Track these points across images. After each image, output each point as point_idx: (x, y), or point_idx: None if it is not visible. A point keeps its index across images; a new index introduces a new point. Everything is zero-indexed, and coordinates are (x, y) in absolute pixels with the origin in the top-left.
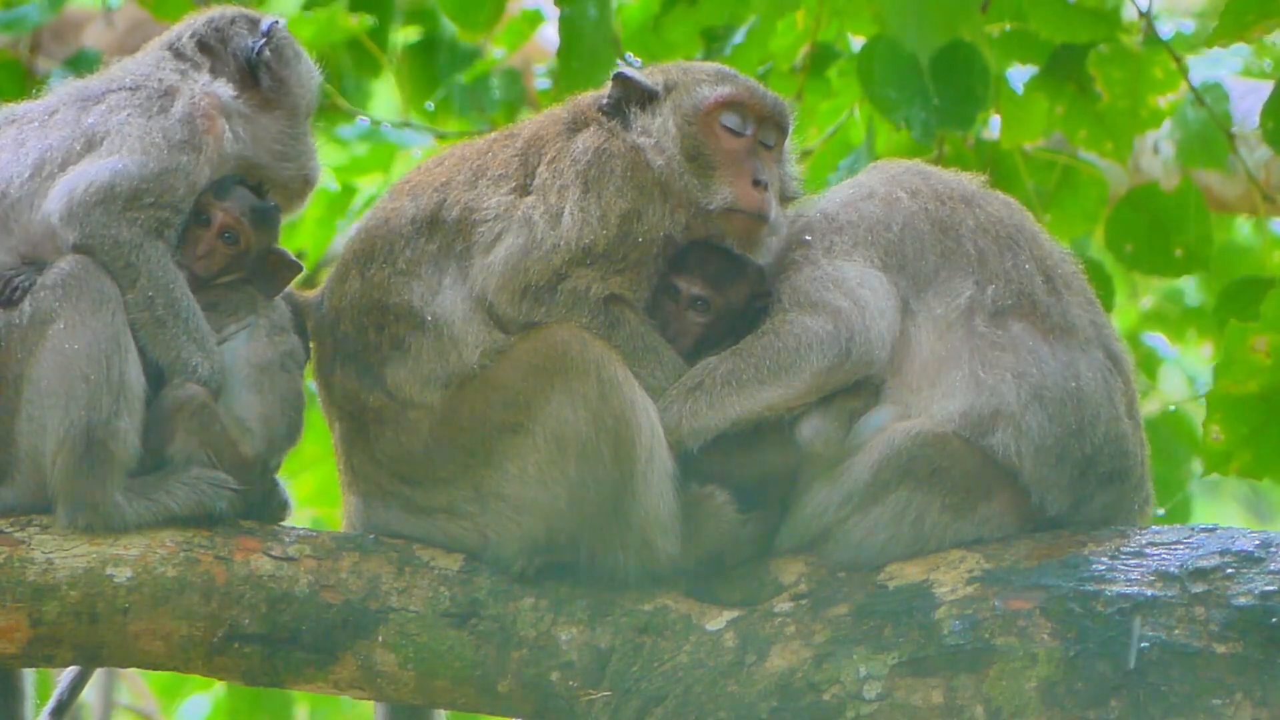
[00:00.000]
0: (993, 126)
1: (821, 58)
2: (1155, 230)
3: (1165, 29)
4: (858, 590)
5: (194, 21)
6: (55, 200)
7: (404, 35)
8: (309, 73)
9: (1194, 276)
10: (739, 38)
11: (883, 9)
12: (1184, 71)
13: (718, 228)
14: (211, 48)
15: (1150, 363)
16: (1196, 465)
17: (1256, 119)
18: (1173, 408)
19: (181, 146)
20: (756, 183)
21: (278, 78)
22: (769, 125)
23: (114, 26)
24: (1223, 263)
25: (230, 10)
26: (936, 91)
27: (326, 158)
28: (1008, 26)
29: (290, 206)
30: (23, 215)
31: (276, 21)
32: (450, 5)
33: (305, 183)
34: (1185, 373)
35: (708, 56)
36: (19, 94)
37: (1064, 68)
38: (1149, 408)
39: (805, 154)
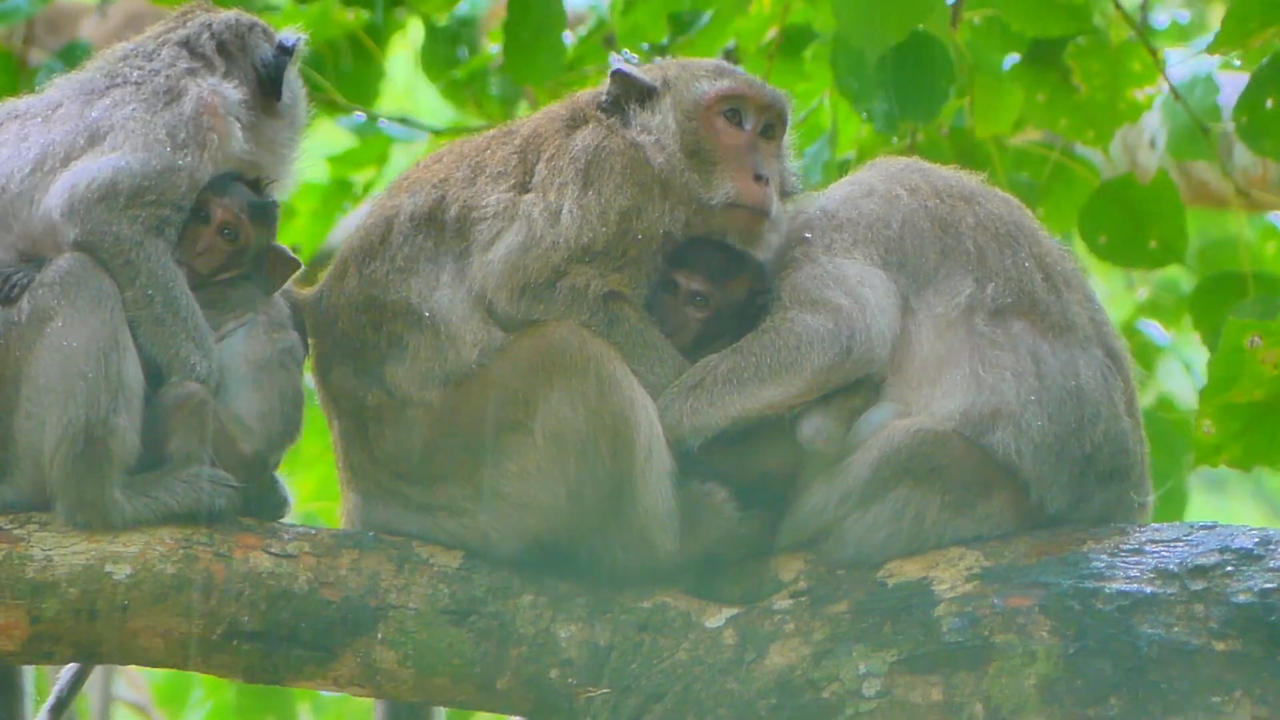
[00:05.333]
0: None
1: (797, 39)
2: (1129, 222)
3: (1161, 20)
4: (857, 588)
5: (209, 22)
6: (56, 196)
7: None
8: (304, 92)
9: (1175, 268)
10: (704, 22)
11: (835, 7)
12: (1161, 65)
13: (719, 223)
14: (231, 52)
15: (1147, 352)
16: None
17: None
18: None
19: (185, 144)
20: (758, 177)
21: (294, 92)
22: (769, 119)
23: (107, 18)
24: (1215, 256)
25: (246, 17)
26: (898, 84)
27: (322, 149)
28: (978, 18)
29: None
30: (22, 211)
31: (301, 38)
32: None
33: (285, 196)
34: (1182, 361)
35: (673, 41)
36: (12, 86)
37: (1045, 58)
38: (1146, 398)
39: None
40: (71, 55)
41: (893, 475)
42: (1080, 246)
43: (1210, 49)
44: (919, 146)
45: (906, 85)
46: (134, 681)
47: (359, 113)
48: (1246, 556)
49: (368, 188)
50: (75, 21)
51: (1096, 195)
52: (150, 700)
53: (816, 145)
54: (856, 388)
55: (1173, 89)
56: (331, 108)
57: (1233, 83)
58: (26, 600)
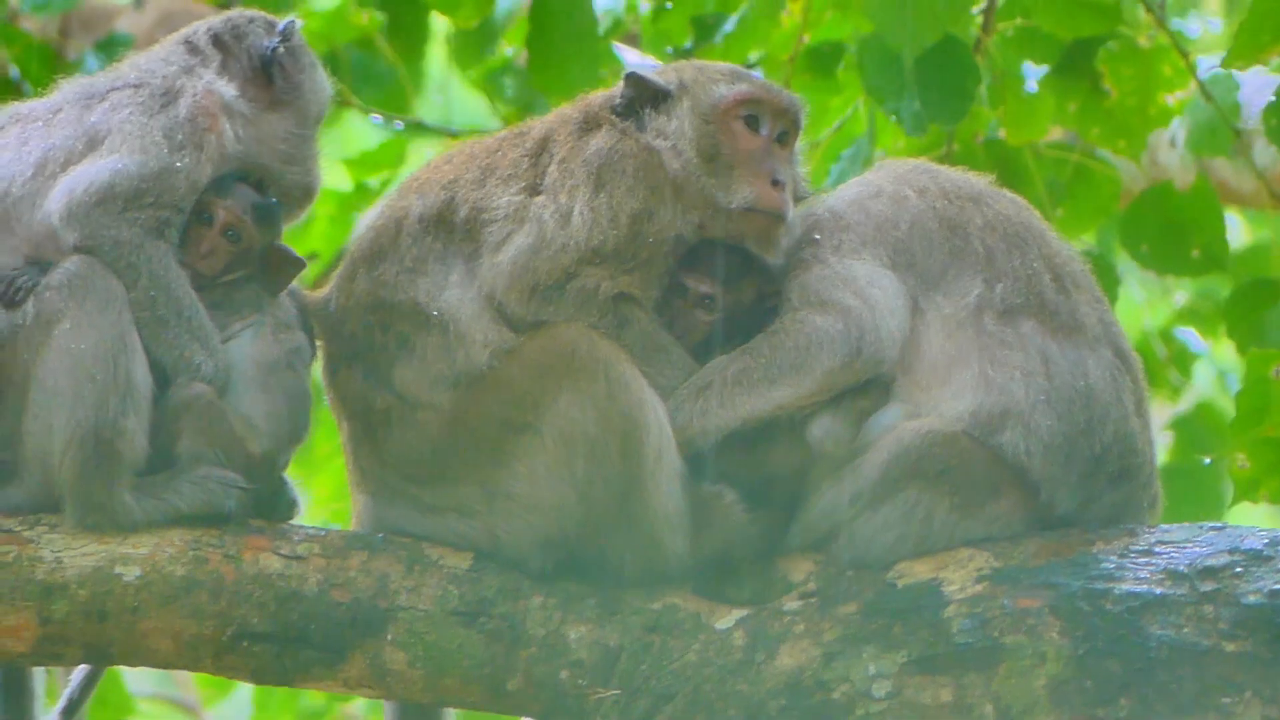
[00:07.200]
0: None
1: (829, 56)
2: (1170, 230)
3: (1192, 28)
4: (867, 589)
5: (212, 19)
6: (55, 200)
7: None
8: (322, 82)
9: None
10: (729, 26)
11: (869, 8)
12: (1192, 69)
13: (736, 228)
14: (226, 44)
15: (1183, 359)
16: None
17: None
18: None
19: (182, 145)
20: (775, 182)
21: (291, 79)
22: (784, 123)
23: (144, 9)
24: (1249, 261)
25: (250, 11)
26: (924, 86)
27: (339, 152)
28: (1010, 29)
29: (289, 215)
30: (24, 215)
31: (293, 21)
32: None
33: (306, 192)
34: (1218, 368)
35: (697, 46)
36: (49, 79)
37: (1076, 66)
38: (1182, 405)
39: (812, 146)
40: (110, 47)
41: (902, 476)
42: (1121, 254)
43: (1225, 63)
44: (955, 155)
45: (933, 88)
46: (181, 681)
47: (375, 115)
48: (1256, 557)
49: (384, 186)
50: (110, 18)
51: (1137, 203)
52: (198, 699)
53: (854, 147)
54: (866, 389)
55: (1202, 87)
56: (347, 108)
57: (1252, 80)
58: (36, 602)
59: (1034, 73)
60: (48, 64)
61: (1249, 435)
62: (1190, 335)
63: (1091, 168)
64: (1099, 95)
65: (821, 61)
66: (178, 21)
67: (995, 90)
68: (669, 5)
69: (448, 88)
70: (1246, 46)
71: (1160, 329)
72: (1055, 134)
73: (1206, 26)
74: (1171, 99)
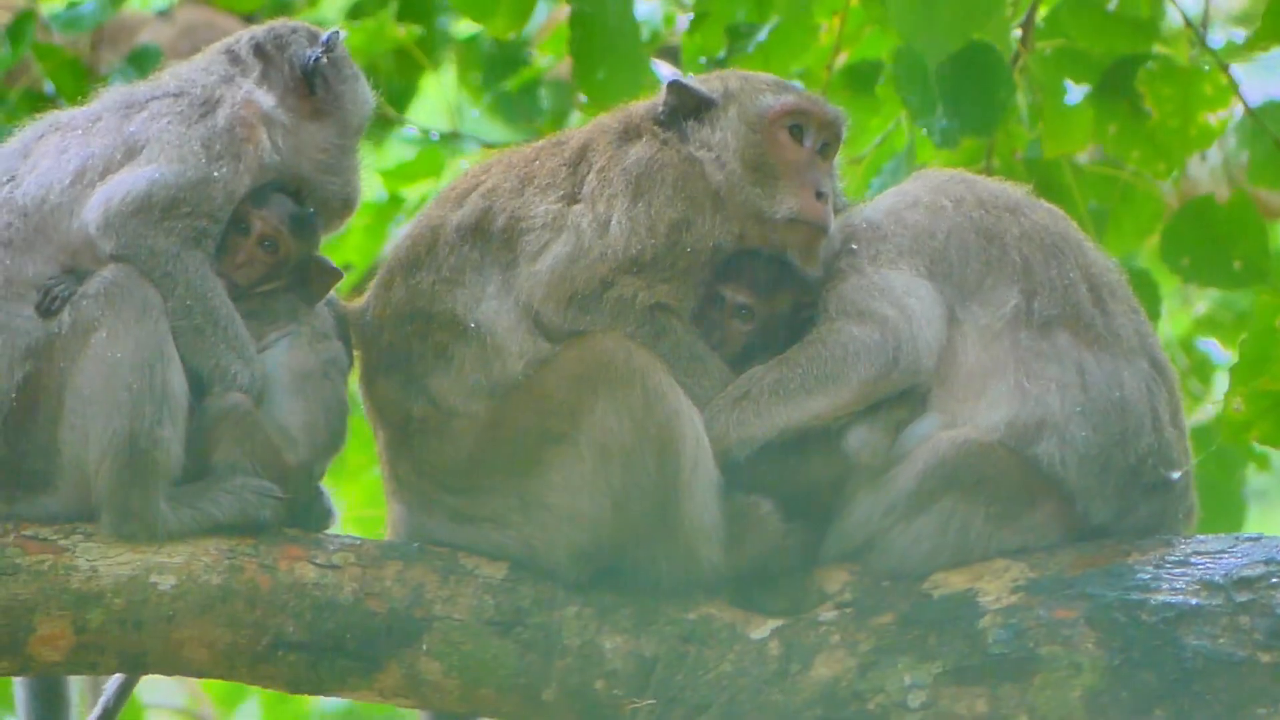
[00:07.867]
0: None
1: (867, 73)
2: (1211, 243)
3: (1216, 39)
4: (902, 599)
5: (256, 29)
6: (93, 209)
7: (460, 29)
8: (364, 93)
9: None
10: (762, 36)
11: (894, 15)
12: (1234, 88)
13: (779, 238)
14: (268, 53)
15: (1204, 369)
16: (1251, 471)
17: None
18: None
19: (220, 156)
20: (819, 194)
21: (332, 89)
22: (828, 135)
23: (172, 22)
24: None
25: (293, 22)
26: (955, 97)
27: (375, 164)
28: (1049, 49)
29: (329, 226)
30: (62, 223)
31: (337, 32)
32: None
33: (345, 203)
34: None
35: (731, 55)
36: (81, 92)
37: (1115, 88)
38: (1202, 414)
39: (854, 161)
40: (141, 59)
41: (938, 487)
42: (1160, 269)
43: (1250, 45)
44: (994, 172)
45: (964, 98)
46: (194, 692)
47: (410, 127)
48: None
49: (423, 200)
50: (134, 33)
51: (1177, 217)
52: (212, 713)
53: (894, 162)
54: (902, 399)
55: (1255, 116)
56: (384, 123)
57: None
58: (71, 611)
59: (1074, 96)
60: (80, 78)
61: (1249, 381)
62: (1212, 345)
63: (1134, 187)
64: (1139, 118)
65: (859, 79)
66: (201, 33)
67: (1034, 107)
68: (688, 19)
69: (461, 104)
70: (1273, 28)
71: (1181, 339)
72: (1092, 154)
73: (1231, 39)
74: (1213, 118)
